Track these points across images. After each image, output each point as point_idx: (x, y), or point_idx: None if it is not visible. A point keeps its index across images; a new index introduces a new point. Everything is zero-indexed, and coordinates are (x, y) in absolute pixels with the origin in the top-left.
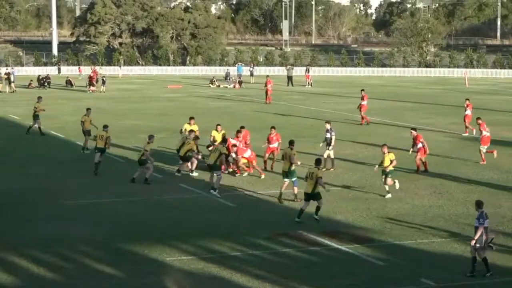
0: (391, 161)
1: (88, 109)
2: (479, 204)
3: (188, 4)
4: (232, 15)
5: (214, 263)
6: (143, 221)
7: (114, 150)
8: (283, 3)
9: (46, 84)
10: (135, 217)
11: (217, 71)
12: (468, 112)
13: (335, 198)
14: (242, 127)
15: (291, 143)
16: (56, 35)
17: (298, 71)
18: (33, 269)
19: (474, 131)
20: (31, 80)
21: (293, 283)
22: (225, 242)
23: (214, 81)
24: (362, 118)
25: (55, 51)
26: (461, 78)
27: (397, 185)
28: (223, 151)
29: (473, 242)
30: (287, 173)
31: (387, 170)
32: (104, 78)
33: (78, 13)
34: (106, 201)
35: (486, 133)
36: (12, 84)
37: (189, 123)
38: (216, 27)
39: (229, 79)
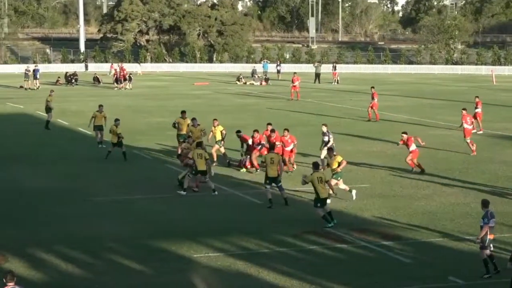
0: (339, 164)
1: (100, 105)
2: (485, 203)
3: (215, 1)
4: (259, 12)
5: (242, 260)
6: (170, 218)
7: (141, 147)
8: (310, 0)
9: (73, 81)
10: (163, 214)
11: (244, 68)
12: (479, 109)
13: (362, 195)
14: (272, 129)
15: (272, 147)
16: (83, 32)
17: (325, 68)
18: (61, 266)
19: (482, 130)
20: (59, 77)
21: (320, 280)
22: (252, 239)
23: (241, 78)
24: (370, 114)
25: (82, 48)
26: (488, 76)
27: (354, 195)
28: (206, 156)
29: (477, 240)
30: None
31: (335, 172)
32: (130, 75)
33: (105, 10)
34: (133, 198)
35: (467, 126)
36: (36, 81)
37: (182, 117)
38: (242, 24)
39: (256, 76)
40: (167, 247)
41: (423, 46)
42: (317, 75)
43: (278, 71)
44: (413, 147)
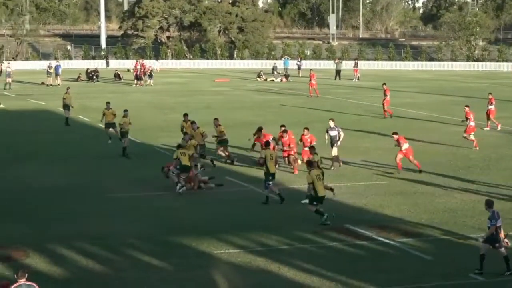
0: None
1: (107, 102)
2: (489, 204)
3: None
4: (279, 8)
5: (262, 256)
6: (190, 214)
7: (160, 143)
8: None
9: (94, 77)
10: (182, 210)
11: (264, 64)
12: (492, 106)
13: (383, 192)
14: (285, 130)
15: (268, 144)
16: (104, 28)
17: (345, 65)
18: (81, 262)
19: (499, 126)
20: (80, 74)
21: (341, 277)
22: (272, 235)
23: (262, 75)
24: (385, 111)
25: (103, 44)
26: (509, 72)
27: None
28: (189, 153)
29: (482, 240)
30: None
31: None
32: (151, 72)
33: (126, 7)
34: (151, 194)
35: (471, 123)
36: (58, 77)
37: (184, 120)
38: (263, 21)
39: (276, 73)
40: (187, 243)
41: (444, 42)
42: (338, 72)
43: (299, 68)
44: (405, 145)
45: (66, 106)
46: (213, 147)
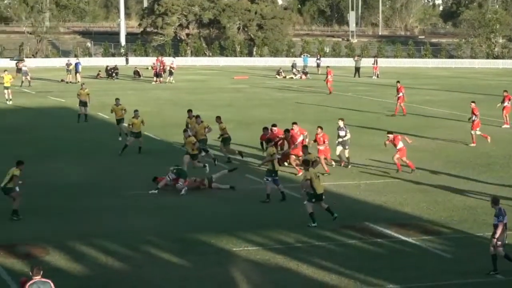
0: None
1: (117, 99)
2: (495, 201)
3: None
4: (299, 6)
5: (281, 254)
6: (208, 211)
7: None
8: None
9: (114, 74)
10: (200, 207)
11: (284, 62)
12: (507, 103)
13: (402, 190)
14: (286, 129)
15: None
16: (124, 26)
17: (365, 63)
18: (101, 259)
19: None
20: (100, 71)
21: (359, 275)
22: (291, 233)
23: (281, 72)
24: (396, 109)
25: (123, 42)
26: None
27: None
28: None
29: (495, 240)
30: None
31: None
32: (170, 69)
33: (145, 4)
34: (169, 191)
35: (476, 118)
36: (78, 75)
37: (189, 117)
38: (282, 18)
39: (296, 70)
40: (206, 240)
41: (463, 40)
42: (357, 69)
43: (318, 65)
44: (400, 145)
45: (82, 103)
46: (215, 144)
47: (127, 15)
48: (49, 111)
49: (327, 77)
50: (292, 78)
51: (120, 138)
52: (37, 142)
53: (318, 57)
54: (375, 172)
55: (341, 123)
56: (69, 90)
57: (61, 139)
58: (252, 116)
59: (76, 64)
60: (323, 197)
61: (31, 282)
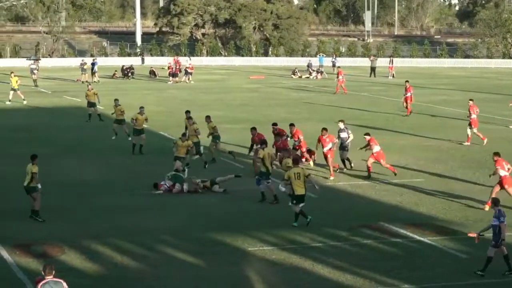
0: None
1: (116, 99)
2: (495, 202)
3: None
4: (315, 5)
5: (296, 254)
6: (222, 211)
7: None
8: None
9: (130, 74)
10: (214, 207)
11: (299, 62)
12: None
13: (418, 190)
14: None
15: (264, 142)
16: (140, 26)
17: (381, 62)
18: (117, 258)
19: None
20: (116, 71)
21: (375, 275)
22: (306, 233)
23: (296, 72)
24: (408, 109)
25: (139, 41)
26: None
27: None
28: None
29: (504, 242)
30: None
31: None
32: (186, 69)
33: (161, 4)
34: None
35: (474, 116)
36: (95, 74)
37: (187, 118)
38: (298, 18)
39: (311, 70)
40: (221, 240)
41: (480, 40)
42: (373, 69)
43: (334, 65)
44: (376, 148)
45: (90, 104)
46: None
47: (143, 15)
48: (64, 111)
49: (337, 77)
50: (308, 77)
51: (129, 138)
52: (52, 142)
53: (334, 57)
54: (391, 172)
55: (341, 125)
56: (85, 89)
57: (75, 139)
58: (267, 115)
59: (93, 64)
60: (304, 198)
61: (43, 282)
